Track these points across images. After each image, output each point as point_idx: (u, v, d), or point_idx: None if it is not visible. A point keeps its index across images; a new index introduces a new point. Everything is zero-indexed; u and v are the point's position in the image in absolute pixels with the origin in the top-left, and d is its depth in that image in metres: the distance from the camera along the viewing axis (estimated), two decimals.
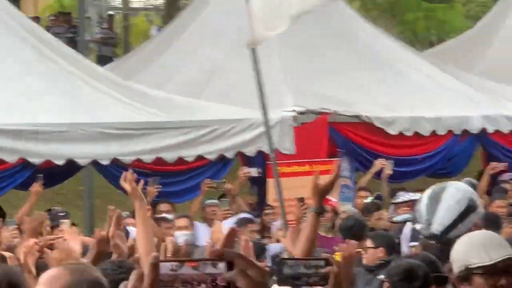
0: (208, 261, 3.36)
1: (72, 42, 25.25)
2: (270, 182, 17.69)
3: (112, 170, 17.36)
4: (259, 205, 18.37)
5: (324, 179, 8.15)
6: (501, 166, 20.34)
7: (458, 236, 8.57)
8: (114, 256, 10.35)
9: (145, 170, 17.26)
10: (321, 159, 18.51)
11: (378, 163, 18.99)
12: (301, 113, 19.30)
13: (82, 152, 17.05)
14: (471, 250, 6.88)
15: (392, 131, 20.07)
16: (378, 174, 19.02)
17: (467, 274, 6.82)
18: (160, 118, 18.08)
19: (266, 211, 17.17)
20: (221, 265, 3.36)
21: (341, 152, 19.38)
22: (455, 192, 10.05)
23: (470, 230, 9.16)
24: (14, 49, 17.69)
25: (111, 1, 47.75)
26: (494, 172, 19.96)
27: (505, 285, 7.35)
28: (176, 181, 17.72)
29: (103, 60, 27.26)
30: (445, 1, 36.18)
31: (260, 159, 18.63)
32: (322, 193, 8.06)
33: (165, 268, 3.34)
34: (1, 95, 16.69)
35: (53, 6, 39.14)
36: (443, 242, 9.43)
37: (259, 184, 18.76)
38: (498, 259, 7.08)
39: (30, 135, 16.50)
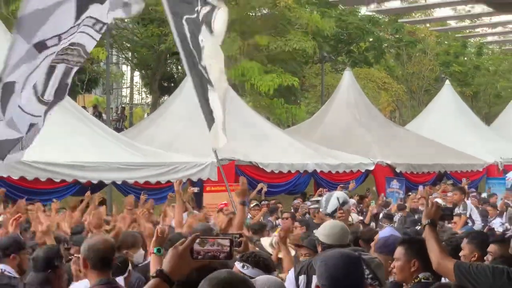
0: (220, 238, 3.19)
1: (103, 120, 25.34)
2: (204, 195, 17.96)
3: (122, 186, 17.11)
4: (198, 207, 17.47)
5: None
6: (324, 190, 20.21)
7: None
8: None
9: (139, 187, 17.02)
10: (231, 183, 18.51)
11: (259, 186, 18.45)
12: (221, 159, 19.18)
13: (106, 177, 16.73)
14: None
15: (268, 169, 19.99)
16: (259, 192, 18.48)
17: None
18: (148, 160, 17.78)
19: (203, 210, 16.08)
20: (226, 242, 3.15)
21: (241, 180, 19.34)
22: (338, 195, 10.09)
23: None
24: (73, 124, 17.31)
25: (123, 99, 47.56)
26: (320, 193, 19.72)
27: None
28: (155, 193, 16.99)
29: (118, 130, 27.29)
30: (296, 103, 36.37)
31: (199, 183, 18.38)
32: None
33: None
34: (67, 147, 16.27)
35: (92, 101, 39.00)
36: (332, 217, 9.53)
37: (198, 195, 18.26)
38: None
39: (80, 167, 16.12)
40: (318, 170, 21.35)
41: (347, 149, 23.51)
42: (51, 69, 8.87)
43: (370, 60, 40.39)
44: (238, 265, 5.22)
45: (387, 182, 22.40)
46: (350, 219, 10.29)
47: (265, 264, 5.40)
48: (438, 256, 5.20)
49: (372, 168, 23.25)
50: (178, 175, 18.10)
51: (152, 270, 5.17)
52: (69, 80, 9.33)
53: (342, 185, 19.63)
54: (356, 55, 39.53)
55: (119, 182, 17.20)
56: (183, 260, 3.12)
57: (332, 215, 9.47)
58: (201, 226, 8.83)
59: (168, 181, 17.95)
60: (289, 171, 20.70)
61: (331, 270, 4.05)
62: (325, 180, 21.51)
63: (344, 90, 27.43)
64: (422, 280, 5.45)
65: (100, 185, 17.11)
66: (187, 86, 22.69)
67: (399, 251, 5.56)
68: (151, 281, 3.17)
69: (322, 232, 6.60)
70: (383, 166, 23.41)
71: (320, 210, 10.46)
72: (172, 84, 37.70)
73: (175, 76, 39.82)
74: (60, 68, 9.08)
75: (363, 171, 23.00)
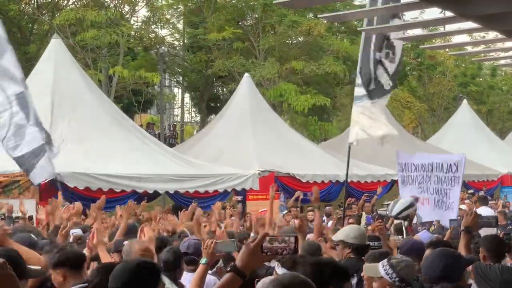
0: (285, 236, 3.25)
1: (157, 137, 25.49)
2: (247, 203, 17.82)
3: (175, 195, 17.16)
4: (242, 213, 17.99)
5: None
6: (352, 199, 19.27)
7: (403, 217, 9.31)
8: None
9: (189, 196, 16.96)
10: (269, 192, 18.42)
11: (297, 194, 18.20)
12: (262, 171, 19.07)
13: (161, 187, 16.77)
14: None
15: (303, 180, 19.90)
16: (296, 199, 18.00)
17: None
18: (197, 172, 17.84)
19: (247, 216, 16.80)
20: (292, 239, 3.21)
21: (280, 189, 19.06)
22: (403, 201, 10.03)
23: (408, 215, 9.58)
24: (131, 140, 17.52)
25: (175, 118, 47.83)
26: (349, 203, 19.20)
27: None
28: (204, 201, 16.88)
29: (171, 145, 27.42)
30: (328, 120, 36.32)
31: (242, 192, 18.35)
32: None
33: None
34: (126, 161, 16.44)
35: (147, 119, 39.30)
36: (396, 218, 9.59)
37: (241, 204, 18.01)
38: None
39: (137, 179, 16.25)
40: (349, 180, 21.07)
41: (374, 161, 23.28)
42: None
43: None
44: (274, 264, 5.20)
45: None
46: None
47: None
48: None
49: (397, 178, 23.03)
50: (224, 185, 18.35)
51: (194, 279, 5.29)
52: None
53: (367, 194, 19.48)
54: None
55: (171, 192, 17.26)
56: (254, 255, 3.18)
57: (395, 217, 9.37)
58: (287, 228, 8.99)
59: (215, 190, 18.12)
60: (323, 181, 20.51)
61: (435, 263, 4.46)
62: (354, 189, 21.28)
63: None
64: None
65: (155, 194, 17.17)
66: (232, 107, 22.84)
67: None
68: (226, 275, 3.23)
69: (351, 236, 6.60)
70: None
71: (387, 213, 10.39)
72: (218, 104, 37.82)
73: (221, 97, 40.00)
74: None
75: (389, 181, 22.79)
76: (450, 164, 12.30)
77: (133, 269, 3.68)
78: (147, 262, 3.89)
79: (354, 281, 6.19)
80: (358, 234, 6.62)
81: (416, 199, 10.60)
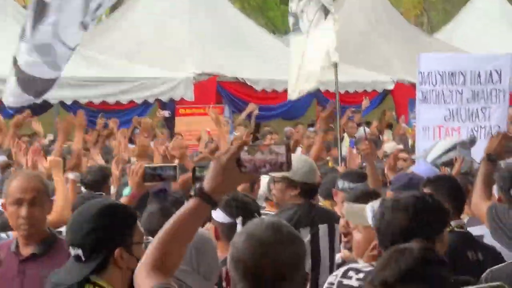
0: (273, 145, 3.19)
1: None
2: (177, 120, 18.06)
3: (73, 107, 17.06)
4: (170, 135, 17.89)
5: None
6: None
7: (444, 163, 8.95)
8: None
9: (94, 108, 17.24)
10: (211, 105, 18.54)
11: (250, 107, 18.34)
12: (198, 74, 19.13)
13: (52, 95, 16.21)
14: None
15: (258, 88, 20.02)
16: (249, 116, 18.35)
17: None
18: (105, 74, 17.87)
19: (175, 138, 16.90)
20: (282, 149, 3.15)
21: (224, 100, 19.41)
22: (443, 142, 9.71)
23: (451, 161, 8.96)
24: (10, 29, 16.99)
25: None
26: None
27: None
28: (115, 116, 17.09)
29: None
30: None
31: (170, 104, 18.55)
32: None
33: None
34: (2, 59, 16.11)
35: None
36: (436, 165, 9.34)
37: (169, 120, 18.45)
38: None
39: None
40: (323, 89, 20.90)
41: (360, 63, 23.32)
42: None
43: None
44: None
45: (409, 106, 22.16)
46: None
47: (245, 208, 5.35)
48: (477, 195, 5.63)
49: (391, 87, 23.19)
50: (144, 94, 18.63)
51: None
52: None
53: (353, 109, 19.49)
54: None
55: (68, 103, 17.44)
56: (228, 173, 3.15)
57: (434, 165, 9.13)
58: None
59: (131, 101, 18.39)
60: (285, 90, 20.26)
61: None
62: (331, 102, 21.35)
63: None
64: (455, 229, 5.47)
65: (44, 105, 16.99)
66: None
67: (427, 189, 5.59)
68: (189, 202, 3.20)
69: (302, 171, 6.37)
70: (405, 85, 23.07)
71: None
72: None
73: None
74: None
75: (380, 91, 22.99)
76: (490, 72, 11.50)
77: (96, 218, 3.76)
78: (115, 205, 3.97)
79: (307, 238, 6.08)
80: (310, 169, 6.44)
81: (472, 141, 10.07)
